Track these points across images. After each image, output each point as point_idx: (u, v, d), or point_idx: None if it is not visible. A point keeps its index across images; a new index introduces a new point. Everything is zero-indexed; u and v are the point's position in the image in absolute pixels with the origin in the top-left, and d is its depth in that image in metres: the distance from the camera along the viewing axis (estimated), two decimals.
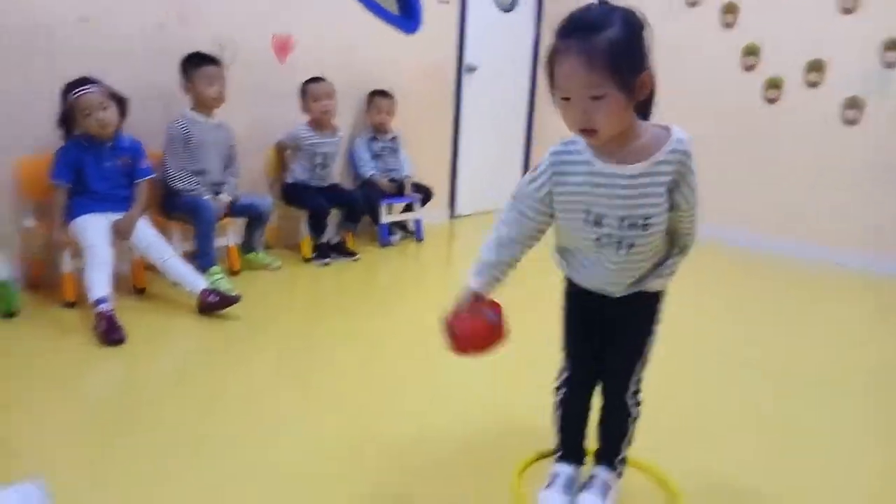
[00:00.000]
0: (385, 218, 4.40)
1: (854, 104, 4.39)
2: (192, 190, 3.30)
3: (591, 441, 1.78)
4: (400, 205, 4.53)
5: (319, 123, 3.94)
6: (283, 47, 3.97)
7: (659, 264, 1.51)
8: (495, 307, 1.53)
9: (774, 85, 4.70)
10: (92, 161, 2.89)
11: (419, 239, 4.66)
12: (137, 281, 3.19)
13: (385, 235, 4.42)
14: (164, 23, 3.41)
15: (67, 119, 2.83)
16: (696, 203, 1.42)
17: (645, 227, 1.39)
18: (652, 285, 1.53)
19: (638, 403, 1.68)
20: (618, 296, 1.52)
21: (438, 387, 2.44)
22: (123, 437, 1.99)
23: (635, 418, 1.68)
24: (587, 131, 1.30)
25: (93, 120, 2.80)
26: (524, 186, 1.50)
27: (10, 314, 2.79)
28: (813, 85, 4.53)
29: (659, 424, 1.91)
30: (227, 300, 2.88)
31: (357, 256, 4.06)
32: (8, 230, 2.98)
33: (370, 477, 1.83)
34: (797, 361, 2.83)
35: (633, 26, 1.27)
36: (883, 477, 2.00)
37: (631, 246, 1.42)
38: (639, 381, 1.64)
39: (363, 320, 3.11)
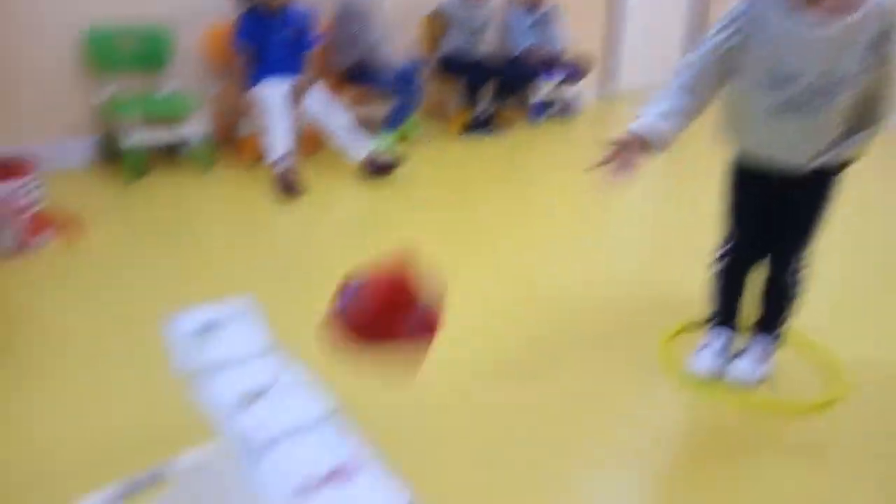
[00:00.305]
0: (538, 93, 4.31)
1: None
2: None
3: (747, 315, 1.77)
4: (553, 80, 4.39)
5: None
6: None
7: (846, 136, 1.40)
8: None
9: None
10: (267, 30, 3.08)
11: (572, 115, 4.54)
12: (310, 143, 3.42)
13: (537, 111, 4.35)
14: None
15: None
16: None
17: (836, 88, 1.30)
18: (835, 160, 1.43)
19: (803, 278, 1.63)
20: (796, 169, 1.44)
21: (589, 254, 2.48)
22: (295, 270, 2.26)
23: (798, 292, 1.65)
24: None
25: None
26: (712, 36, 1.42)
27: (205, 170, 3.15)
28: None
29: (834, 306, 1.85)
30: (386, 166, 3.06)
31: (507, 130, 4.06)
32: (199, 96, 3.27)
33: (525, 332, 1.94)
34: None
35: None
36: None
37: (817, 110, 1.33)
38: (806, 256, 1.60)
39: (515, 190, 3.19)
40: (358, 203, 3.03)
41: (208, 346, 1.60)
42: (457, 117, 4.01)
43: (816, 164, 1.42)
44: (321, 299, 1.97)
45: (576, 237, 2.66)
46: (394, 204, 2.94)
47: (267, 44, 3.11)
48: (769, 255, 1.63)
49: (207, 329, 1.71)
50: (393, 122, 3.49)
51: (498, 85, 4.08)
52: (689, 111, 1.43)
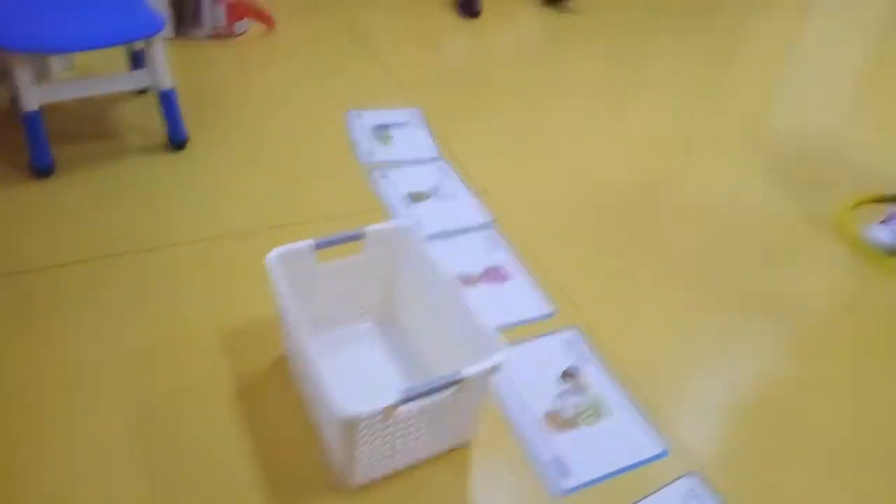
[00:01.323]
0: None
1: None
2: None
3: None
4: None
5: None
6: None
7: None
8: None
9: None
10: None
11: None
12: None
13: None
14: None
15: None
16: None
17: None
18: None
19: None
20: None
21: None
22: (464, 88, 2.37)
23: None
24: None
25: None
26: None
27: None
28: None
29: None
30: None
31: None
32: None
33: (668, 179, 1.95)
34: None
35: None
36: None
37: None
38: None
39: (681, 43, 2.97)
40: (532, 30, 2.99)
41: (385, 145, 1.81)
42: None
43: None
44: (485, 119, 2.10)
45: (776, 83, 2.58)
46: (570, 34, 2.92)
47: None
48: None
49: (384, 129, 1.90)
50: None
51: None
52: None
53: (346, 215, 1.63)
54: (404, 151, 1.97)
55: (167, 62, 1.71)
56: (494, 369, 0.93)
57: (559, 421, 1.15)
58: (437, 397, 0.92)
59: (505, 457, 1.09)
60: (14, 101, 1.69)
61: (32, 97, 1.56)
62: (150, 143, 1.84)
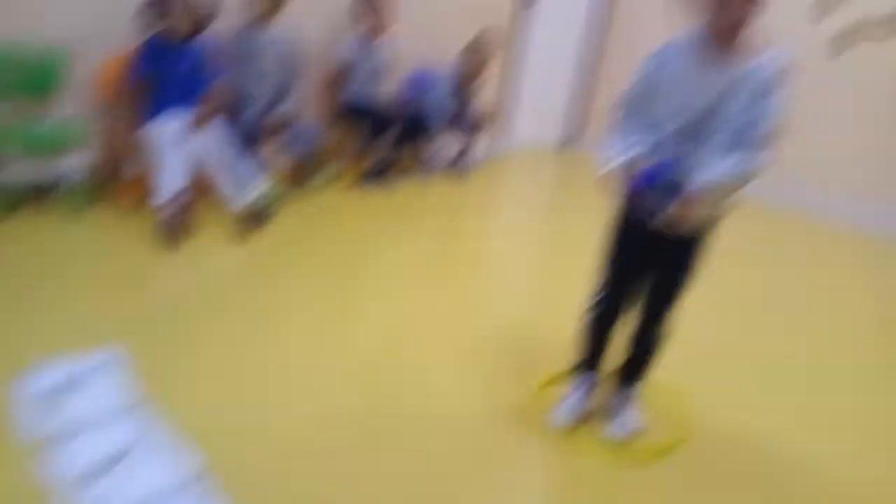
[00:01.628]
0: (437, 144, 4.45)
1: None
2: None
3: (610, 365, 1.95)
4: (453, 133, 4.55)
5: (369, 35, 3.94)
6: None
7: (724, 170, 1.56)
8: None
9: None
10: (169, 61, 2.92)
11: (470, 168, 4.71)
12: (200, 185, 3.25)
13: (434, 163, 4.50)
14: None
15: (159, 2, 2.85)
16: (773, 122, 1.50)
17: (714, 126, 1.52)
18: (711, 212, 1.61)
19: (666, 333, 1.82)
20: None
21: (472, 307, 2.63)
22: (170, 323, 2.21)
23: (661, 346, 1.84)
24: (730, 28, 1.47)
25: (187, 15, 2.86)
26: (631, 85, 1.65)
27: (82, 211, 2.95)
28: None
29: (686, 357, 2.09)
30: (257, 220, 2.99)
31: (405, 180, 4.17)
32: (86, 128, 3.04)
33: (391, 392, 2.02)
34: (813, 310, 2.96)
35: None
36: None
37: (698, 140, 1.55)
38: (672, 312, 1.78)
39: (406, 242, 3.29)
40: (240, 253, 2.91)
41: (64, 406, 1.51)
42: (354, 166, 4.06)
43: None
44: (194, 355, 1.98)
45: (464, 290, 2.80)
46: (276, 256, 2.89)
47: (167, 75, 2.92)
48: (640, 305, 1.81)
49: (65, 386, 1.63)
50: (289, 172, 3.44)
51: (396, 135, 4.16)
52: (639, 141, 1.65)
53: None
54: (91, 408, 1.59)
55: None
56: None
57: None
58: None
59: None
60: None
61: None
62: None
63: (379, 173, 4.09)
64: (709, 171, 1.53)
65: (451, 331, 2.39)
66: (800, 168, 4.66)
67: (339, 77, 3.98)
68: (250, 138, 3.31)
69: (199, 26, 2.97)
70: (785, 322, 2.87)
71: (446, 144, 4.60)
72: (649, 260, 1.72)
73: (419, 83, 4.39)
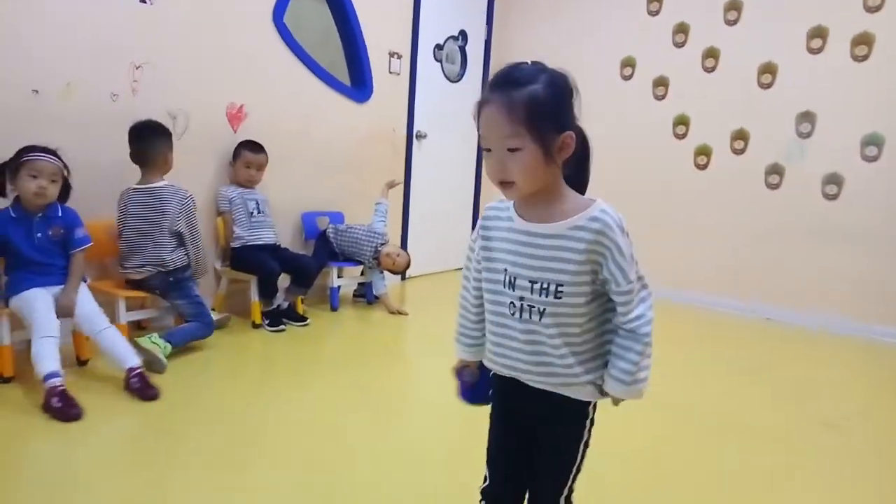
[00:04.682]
0: (335, 281, 4.44)
1: (775, 170, 4.75)
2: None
3: None
4: (350, 268, 4.58)
5: (243, 184, 4.01)
6: (235, 117, 4.06)
7: (591, 357, 1.34)
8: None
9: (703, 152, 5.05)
10: (22, 232, 2.77)
11: (370, 301, 4.70)
12: (80, 352, 3.10)
13: (336, 299, 4.45)
14: (117, 93, 3.45)
15: (5, 173, 2.73)
16: (633, 287, 1.26)
17: (557, 294, 1.28)
18: (580, 387, 1.34)
19: None
20: (532, 385, 1.36)
21: (391, 458, 2.45)
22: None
23: None
24: (504, 184, 1.27)
25: (34, 185, 2.70)
26: (469, 245, 1.47)
27: None
28: (738, 152, 4.89)
29: None
30: (146, 392, 2.74)
31: (307, 321, 4.07)
32: None
33: None
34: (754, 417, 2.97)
35: (559, 86, 1.24)
36: None
37: (542, 314, 1.30)
38: (569, 493, 1.44)
39: (314, 386, 3.11)
40: (129, 420, 2.64)
41: None
42: (255, 308, 3.93)
43: (551, 382, 1.34)
44: None
45: (381, 434, 2.62)
46: (171, 419, 2.63)
47: (23, 247, 2.76)
48: (527, 492, 1.49)
49: None
50: (175, 338, 3.21)
51: (295, 275, 4.11)
52: (478, 322, 1.48)
53: None
54: None
55: None
56: None
57: None
58: None
59: None
60: None
61: None
62: None
63: (278, 317, 3.95)
64: None
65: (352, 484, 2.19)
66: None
67: (225, 223, 3.96)
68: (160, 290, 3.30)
69: (50, 203, 2.83)
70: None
71: (345, 279, 4.59)
72: (525, 433, 1.43)
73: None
